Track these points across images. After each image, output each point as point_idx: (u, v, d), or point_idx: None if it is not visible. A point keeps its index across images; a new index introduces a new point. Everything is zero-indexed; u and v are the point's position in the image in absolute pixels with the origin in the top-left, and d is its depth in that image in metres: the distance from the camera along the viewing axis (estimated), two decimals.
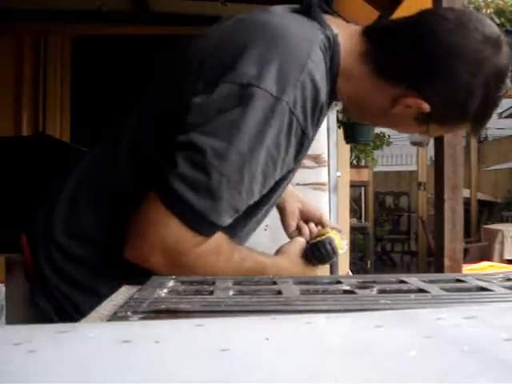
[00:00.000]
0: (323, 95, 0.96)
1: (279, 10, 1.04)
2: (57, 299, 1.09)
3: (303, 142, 0.96)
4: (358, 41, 1.04)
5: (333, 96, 1.04)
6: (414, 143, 6.90)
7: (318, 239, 1.16)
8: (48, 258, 1.11)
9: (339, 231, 1.22)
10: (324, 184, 1.45)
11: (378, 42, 1.03)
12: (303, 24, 0.98)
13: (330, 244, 1.14)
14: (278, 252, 1.16)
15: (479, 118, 1.05)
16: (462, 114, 1.03)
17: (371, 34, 1.05)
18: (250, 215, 1.07)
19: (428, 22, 1.02)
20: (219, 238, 0.97)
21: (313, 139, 1.02)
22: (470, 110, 1.01)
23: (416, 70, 0.99)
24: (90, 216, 1.09)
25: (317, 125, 0.99)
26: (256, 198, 0.98)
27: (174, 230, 0.91)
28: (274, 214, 1.41)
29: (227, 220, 0.95)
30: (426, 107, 1.00)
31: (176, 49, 1.11)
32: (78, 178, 1.14)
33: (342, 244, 1.19)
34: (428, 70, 0.98)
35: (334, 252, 1.15)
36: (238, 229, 1.09)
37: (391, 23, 1.12)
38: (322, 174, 1.45)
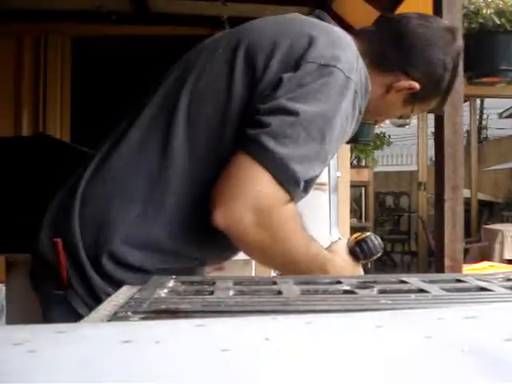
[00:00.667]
0: (369, 82, 1.15)
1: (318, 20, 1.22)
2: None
3: (358, 119, 1.13)
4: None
5: None
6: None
7: (363, 236, 1.20)
8: (95, 265, 1.10)
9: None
10: (324, 184, 1.45)
11: (368, 41, 1.23)
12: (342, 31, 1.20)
13: (376, 239, 1.19)
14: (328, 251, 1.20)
15: (447, 92, 1.28)
16: (439, 88, 1.25)
17: (361, 36, 1.24)
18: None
19: (400, 23, 1.25)
20: (297, 211, 1.07)
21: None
22: (444, 84, 1.25)
23: (403, 58, 1.22)
24: (161, 226, 1.10)
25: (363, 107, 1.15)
26: (326, 165, 1.11)
27: (265, 185, 0.97)
28: None
29: (304, 180, 1.04)
30: (417, 86, 1.21)
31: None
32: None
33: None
34: (412, 56, 1.21)
35: (381, 247, 1.19)
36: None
37: (372, 28, 1.30)
38: (322, 174, 1.45)
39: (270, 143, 0.98)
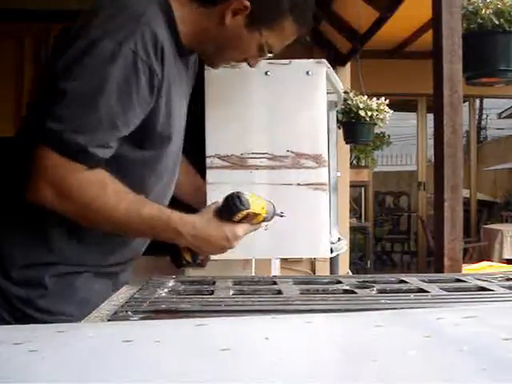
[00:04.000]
0: (164, 41, 1.15)
1: None
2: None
3: (153, 77, 1.14)
4: None
5: (180, 45, 1.22)
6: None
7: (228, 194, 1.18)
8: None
9: (270, 202, 1.25)
10: (324, 184, 1.45)
11: None
12: None
13: (241, 196, 1.15)
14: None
15: (297, 13, 1.24)
16: (275, 2, 1.21)
17: None
18: (140, 161, 1.21)
19: None
20: (102, 173, 1.12)
21: (164, 81, 1.18)
22: (283, 1, 1.21)
23: None
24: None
25: (162, 64, 1.16)
26: (122, 130, 1.13)
27: (52, 160, 1.08)
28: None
29: (94, 146, 1.10)
30: (247, 3, 1.18)
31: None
32: None
33: (264, 206, 1.20)
34: None
35: (243, 203, 1.15)
36: (130, 175, 1.19)
37: None
38: (322, 174, 1.45)
39: (49, 124, 1.08)
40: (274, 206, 1.26)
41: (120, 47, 1.10)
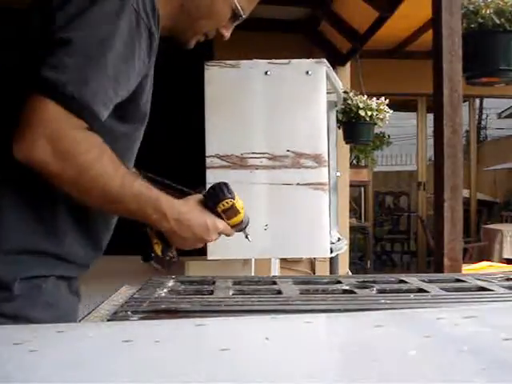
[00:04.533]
0: (157, 5, 1.11)
1: None
2: None
3: (151, 40, 1.11)
4: None
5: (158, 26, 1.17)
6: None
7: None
8: None
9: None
10: (324, 184, 1.45)
11: None
12: None
13: (226, 185, 1.14)
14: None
15: None
16: None
17: None
18: (122, 124, 1.12)
19: None
20: (100, 139, 1.03)
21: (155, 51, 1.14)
22: None
23: None
24: None
25: (157, 31, 1.12)
26: (124, 90, 1.07)
27: (51, 112, 0.98)
28: (273, 214, 1.41)
29: (99, 104, 1.02)
30: None
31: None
32: None
33: (243, 208, 1.17)
34: None
35: (229, 192, 1.13)
36: (113, 142, 1.09)
37: None
38: (321, 174, 1.45)
39: (51, 75, 0.99)
40: (249, 219, 1.24)
41: (124, 2, 1.05)
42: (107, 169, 1.02)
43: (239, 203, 1.16)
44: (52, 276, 1.09)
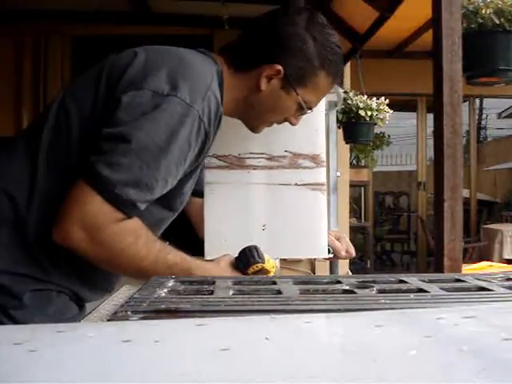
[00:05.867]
0: (221, 109, 1.18)
1: (182, 48, 1.26)
2: None
3: (205, 143, 1.16)
4: (223, 60, 1.27)
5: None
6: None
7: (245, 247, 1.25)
8: None
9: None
10: (323, 184, 1.44)
11: (230, 52, 1.28)
12: (202, 57, 1.24)
13: (256, 250, 1.22)
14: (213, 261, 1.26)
15: (329, 66, 1.25)
16: (309, 62, 1.23)
17: (225, 51, 1.29)
18: (162, 204, 1.21)
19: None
20: (137, 222, 1.11)
21: (211, 144, 1.21)
22: (311, 55, 1.22)
23: (258, 50, 1.25)
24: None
25: (215, 132, 1.19)
26: (169, 187, 1.14)
27: (95, 206, 1.05)
28: (271, 214, 1.41)
29: (143, 202, 1.09)
30: (279, 67, 1.21)
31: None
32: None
33: (275, 265, 1.27)
34: (265, 43, 1.24)
35: (258, 257, 1.22)
36: (151, 217, 1.19)
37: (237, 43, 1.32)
38: (321, 174, 1.45)
39: (104, 171, 1.05)
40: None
41: (190, 109, 1.09)
42: (141, 250, 1.10)
43: (270, 263, 1.24)
44: (61, 292, 1.18)
